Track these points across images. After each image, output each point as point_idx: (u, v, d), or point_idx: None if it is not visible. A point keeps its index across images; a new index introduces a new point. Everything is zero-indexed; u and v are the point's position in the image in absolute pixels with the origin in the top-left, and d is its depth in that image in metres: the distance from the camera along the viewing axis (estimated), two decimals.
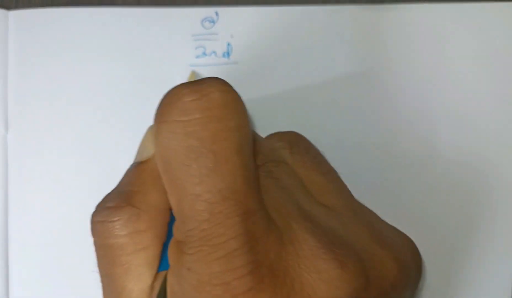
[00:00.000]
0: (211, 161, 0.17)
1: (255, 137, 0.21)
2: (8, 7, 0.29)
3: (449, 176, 0.27)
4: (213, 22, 0.28)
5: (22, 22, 0.29)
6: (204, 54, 0.28)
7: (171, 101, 0.18)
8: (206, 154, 0.17)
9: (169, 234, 0.19)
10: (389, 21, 0.28)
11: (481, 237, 0.27)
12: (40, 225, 0.28)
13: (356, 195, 0.24)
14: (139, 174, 0.21)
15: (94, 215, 0.20)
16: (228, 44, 0.28)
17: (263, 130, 0.25)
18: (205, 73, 0.28)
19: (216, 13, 0.28)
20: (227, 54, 0.28)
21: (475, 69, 0.28)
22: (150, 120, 0.29)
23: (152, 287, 0.19)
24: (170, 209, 0.20)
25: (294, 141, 0.23)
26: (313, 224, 0.19)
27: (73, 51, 0.28)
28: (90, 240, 0.28)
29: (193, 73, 0.28)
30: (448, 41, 0.28)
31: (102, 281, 0.20)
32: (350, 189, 0.24)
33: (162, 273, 0.19)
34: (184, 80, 0.28)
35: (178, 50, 0.28)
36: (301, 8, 0.28)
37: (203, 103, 0.17)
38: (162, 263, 0.19)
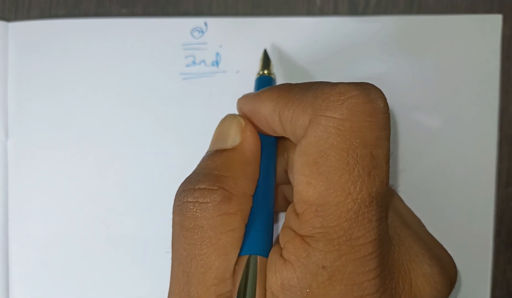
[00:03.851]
0: (370, 164, 0.18)
1: None
2: (8, 19, 0.30)
3: (429, 180, 0.28)
4: (202, 32, 0.29)
5: (22, 34, 0.29)
6: (194, 63, 0.29)
7: (338, 98, 0.18)
8: (366, 156, 0.18)
9: (250, 218, 0.20)
10: (371, 32, 0.28)
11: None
12: (39, 228, 0.29)
13: None
14: (226, 160, 0.21)
15: (184, 195, 0.20)
16: (217, 54, 0.29)
17: None
18: (195, 81, 0.29)
19: (205, 24, 0.29)
20: (216, 63, 0.29)
21: (453, 78, 0.28)
22: (144, 125, 0.29)
23: (234, 270, 0.19)
24: (252, 195, 0.21)
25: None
26: (414, 233, 0.21)
27: (70, 60, 0.29)
28: (87, 242, 0.29)
29: (266, 51, 0.28)
30: (427, 51, 0.28)
31: (180, 263, 0.20)
32: None
33: (243, 258, 0.19)
34: (175, 90, 0.29)
35: (168, 59, 0.29)
36: (287, 19, 0.29)
37: (369, 108, 0.18)
38: (244, 247, 0.20)
